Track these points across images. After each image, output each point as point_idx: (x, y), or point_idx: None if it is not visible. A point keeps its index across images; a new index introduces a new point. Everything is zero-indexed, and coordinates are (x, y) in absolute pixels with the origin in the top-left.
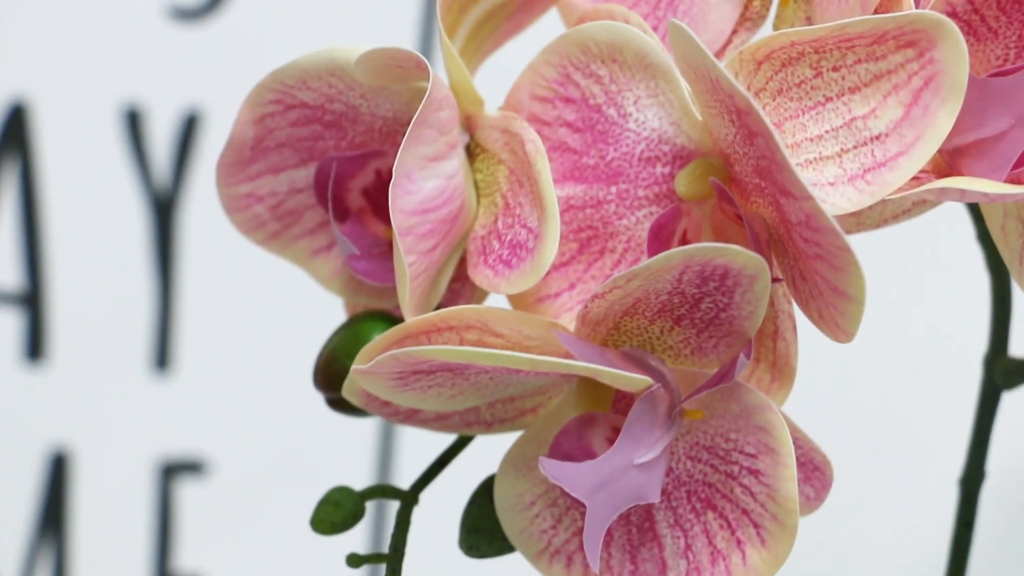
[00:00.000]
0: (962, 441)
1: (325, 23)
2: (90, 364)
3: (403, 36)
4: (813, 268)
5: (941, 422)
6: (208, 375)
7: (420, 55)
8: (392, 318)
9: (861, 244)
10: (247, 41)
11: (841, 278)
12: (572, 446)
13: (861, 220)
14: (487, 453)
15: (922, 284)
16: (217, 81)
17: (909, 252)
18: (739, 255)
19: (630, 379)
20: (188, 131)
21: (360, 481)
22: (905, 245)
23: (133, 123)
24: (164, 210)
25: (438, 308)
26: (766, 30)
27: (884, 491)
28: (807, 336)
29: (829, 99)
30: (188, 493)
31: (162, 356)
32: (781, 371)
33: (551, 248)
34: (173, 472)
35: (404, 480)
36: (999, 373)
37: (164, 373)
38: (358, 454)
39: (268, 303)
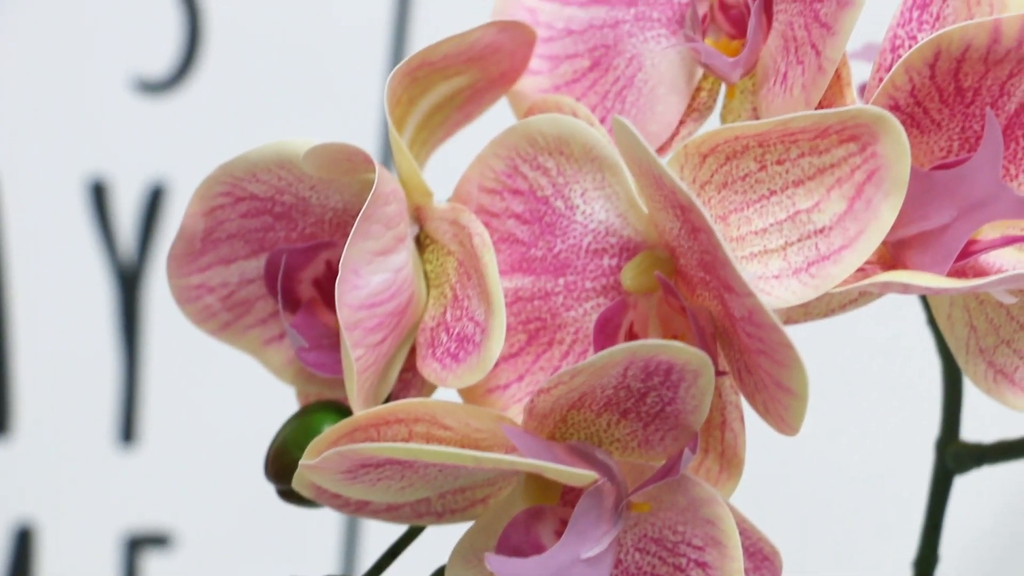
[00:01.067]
0: (915, 525)
1: (290, 96)
2: (56, 437)
3: (367, 129)
4: (757, 363)
5: (894, 506)
6: (174, 449)
7: (366, 151)
8: (343, 409)
9: (810, 330)
10: (212, 114)
11: (784, 374)
12: (520, 539)
13: (809, 310)
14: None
15: (874, 368)
16: (183, 154)
17: (861, 336)
18: (682, 352)
19: (575, 474)
20: (153, 204)
21: (326, 555)
22: (857, 329)
23: (99, 196)
24: (130, 283)
25: (389, 398)
26: (713, 120)
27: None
28: (760, 422)
29: (773, 192)
30: (154, 566)
31: (128, 429)
32: (729, 461)
33: (497, 343)
34: (139, 545)
35: (372, 553)
36: (951, 457)
37: (130, 446)
38: (324, 528)
39: (234, 377)
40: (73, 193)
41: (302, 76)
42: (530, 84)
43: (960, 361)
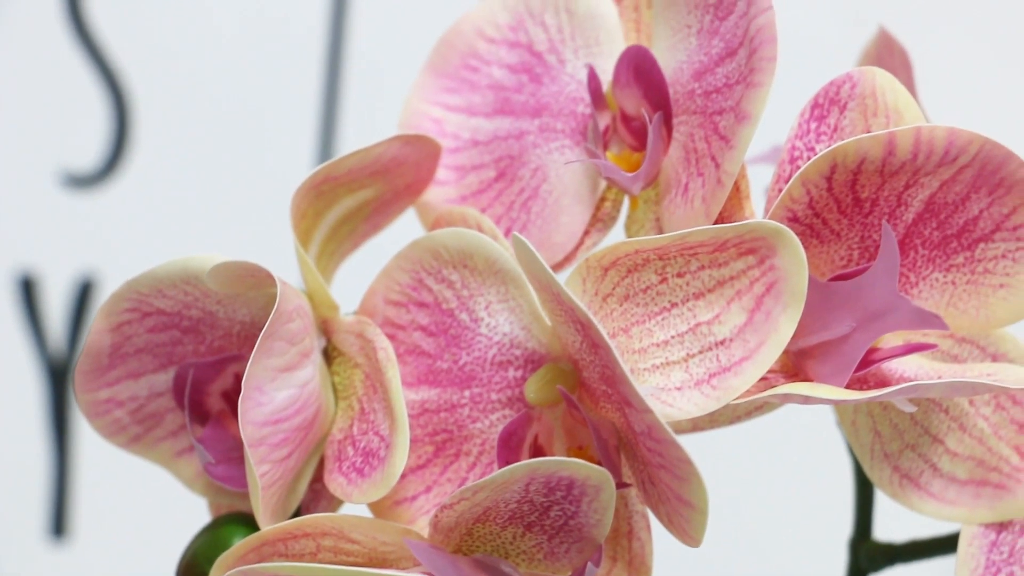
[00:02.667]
0: None
1: (220, 187)
2: None
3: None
4: (658, 476)
5: None
6: (105, 542)
7: (268, 268)
8: (254, 521)
9: (726, 432)
10: (142, 206)
11: (684, 488)
12: None
13: (715, 418)
14: None
15: (787, 468)
16: (112, 247)
17: (775, 435)
18: (582, 468)
19: None
20: (83, 297)
21: None
22: (765, 430)
23: (28, 290)
24: (59, 377)
25: (299, 510)
26: (618, 230)
27: None
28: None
29: (675, 304)
30: None
31: (58, 523)
32: (637, 570)
33: (401, 459)
34: None
35: None
36: (864, 556)
37: (60, 540)
38: None
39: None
40: (2, 287)
41: (231, 167)
42: (437, 194)
43: (865, 466)
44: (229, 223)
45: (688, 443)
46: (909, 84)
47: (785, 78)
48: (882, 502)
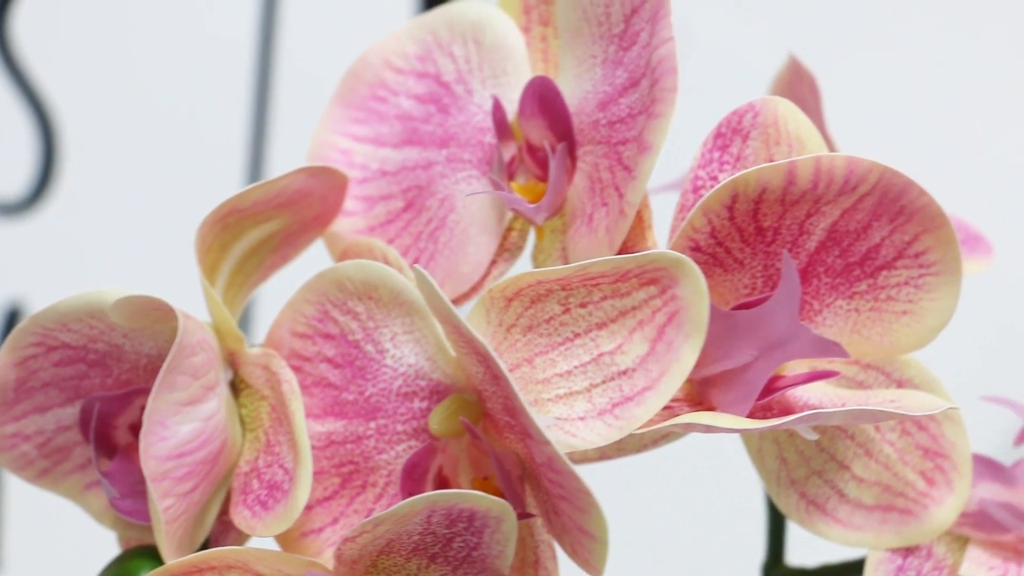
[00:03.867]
0: None
1: (144, 214)
2: None
3: None
4: (560, 507)
5: None
6: (35, 573)
7: (169, 302)
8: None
9: (632, 461)
10: (69, 234)
11: (584, 519)
12: None
13: (622, 446)
14: None
15: (700, 494)
16: (39, 275)
17: (683, 463)
18: (482, 500)
19: None
20: (9, 325)
21: None
22: (677, 456)
23: None
24: None
25: (207, 542)
26: (525, 260)
27: None
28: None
29: (577, 335)
30: None
31: None
32: None
33: (304, 492)
34: None
35: None
36: None
37: None
38: None
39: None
40: None
41: (160, 194)
42: (345, 225)
43: (772, 493)
44: (157, 250)
45: (599, 470)
46: (817, 112)
47: (722, 106)
48: (795, 527)
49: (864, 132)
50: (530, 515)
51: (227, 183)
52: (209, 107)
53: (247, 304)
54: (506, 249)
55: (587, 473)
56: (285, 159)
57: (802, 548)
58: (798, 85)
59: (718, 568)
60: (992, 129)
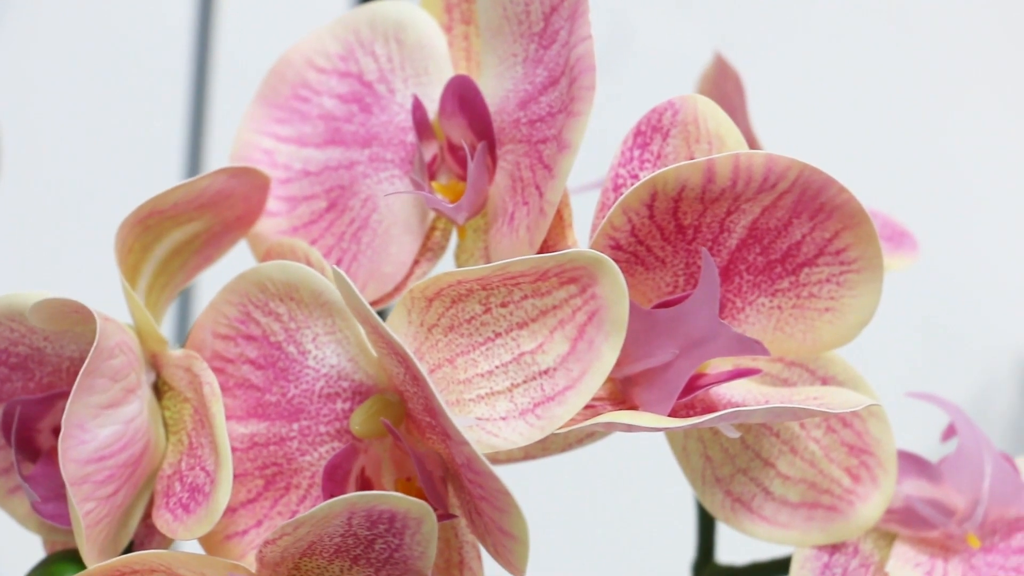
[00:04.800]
0: None
1: (78, 211)
2: None
3: None
4: (481, 507)
5: None
6: None
7: (87, 305)
8: None
9: (562, 460)
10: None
11: (504, 519)
12: None
13: (547, 446)
14: None
15: (630, 492)
16: None
17: (613, 462)
18: (402, 501)
19: None
20: None
21: None
22: (606, 455)
23: None
24: None
25: (132, 545)
26: (448, 260)
27: None
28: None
29: (498, 335)
30: None
31: None
32: None
33: (224, 495)
34: None
35: None
36: None
37: None
38: None
39: None
40: None
41: (93, 193)
42: (269, 226)
43: (697, 491)
44: (93, 250)
45: (528, 470)
46: (742, 109)
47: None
48: (725, 525)
49: (796, 129)
50: (452, 516)
51: (165, 181)
52: (146, 103)
53: (188, 304)
54: (429, 249)
55: (516, 473)
56: (224, 156)
57: (734, 546)
58: (723, 82)
59: (649, 567)
60: (925, 126)
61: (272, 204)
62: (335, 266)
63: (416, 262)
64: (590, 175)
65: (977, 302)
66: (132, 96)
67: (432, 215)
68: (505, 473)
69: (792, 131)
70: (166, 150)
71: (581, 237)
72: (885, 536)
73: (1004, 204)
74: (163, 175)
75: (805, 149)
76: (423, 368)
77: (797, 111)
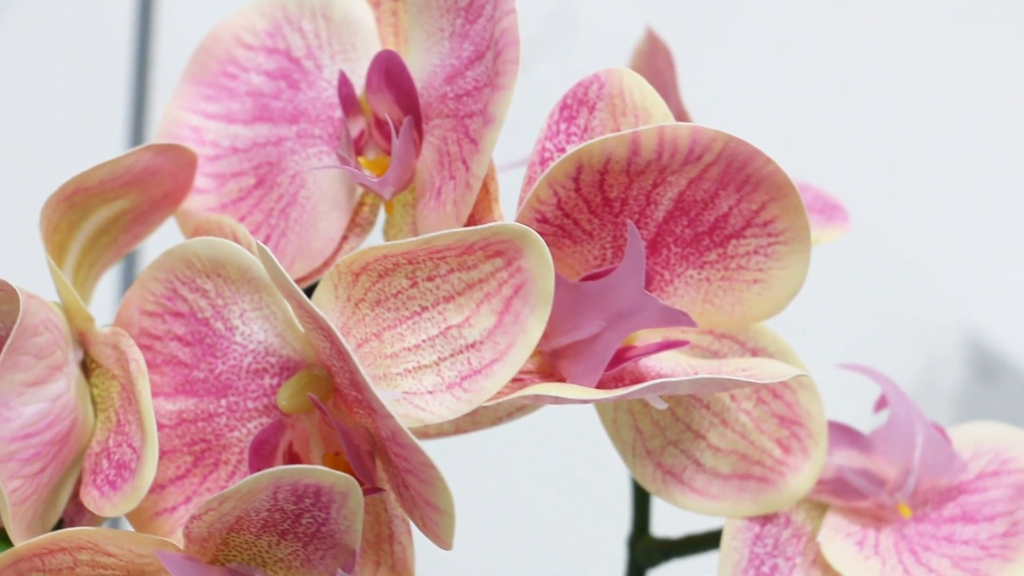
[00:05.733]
0: None
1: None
2: None
3: None
4: (408, 481)
5: None
6: None
7: (9, 283)
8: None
9: (496, 436)
10: None
11: (430, 492)
12: None
13: (477, 420)
14: None
15: (562, 467)
16: None
17: (546, 436)
18: (326, 475)
19: None
20: None
21: None
22: (540, 429)
23: None
24: None
25: (61, 522)
26: (377, 235)
27: None
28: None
29: (425, 308)
30: None
31: None
32: (399, 574)
33: (150, 471)
34: None
35: None
36: (641, 553)
37: None
38: None
39: None
40: None
41: (32, 169)
42: (197, 203)
43: (628, 463)
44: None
45: (460, 445)
46: (673, 84)
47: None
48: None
49: (742, 108)
50: (379, 490)
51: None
52: (86, 80)
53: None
54: (357, 224)
55: (447, 447)
56: None
57: (669, 520)
58: (655, 57)
59: (584, 541)
60: (874, 102)
61: (200, 181)
62: (259, 241)
63: (345, 238)
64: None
65: (924, 278)
66: (72, 72)
67: (360, 191)
68: (435, 447)
69: (737, 110)
70: (106, 128)
71: (512, 214)
72: (817, 507)
73: (952, 179)
74: (103, 153)
75: (750, 128)
76: (344, 340)
77: (744, 89)
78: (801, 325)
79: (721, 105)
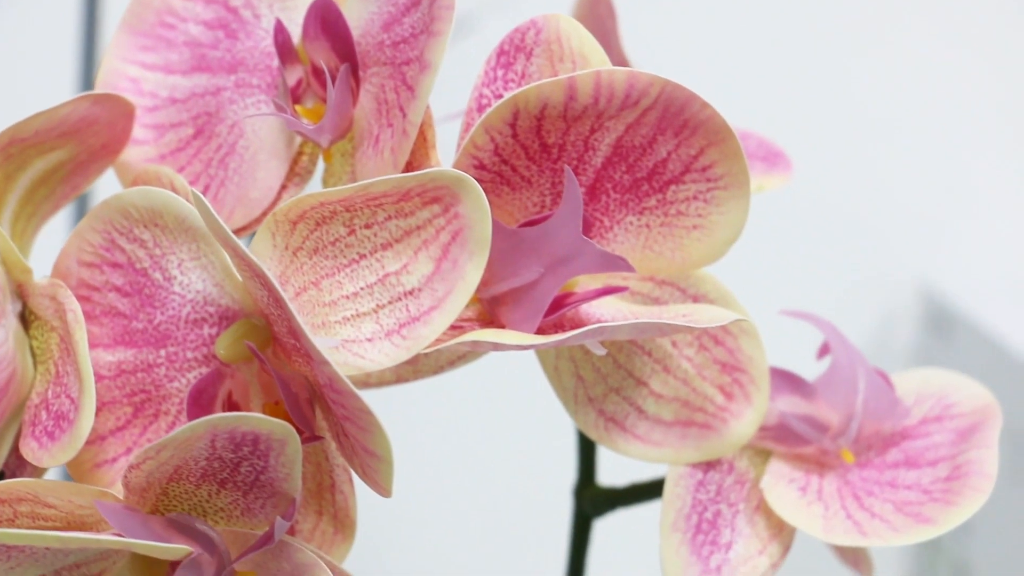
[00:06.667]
0: (559, 572)
1: None
2: None
3: None
4: (346, 428)
5: (535, 555)
6: None
7: None
8: None
9: (440, 386)
10: None
11: (368, 439)
12: None
13: (418, 368)
14: None
15: (508, 417)
16: None
17: (491, 387)
18: (264, 422)
19: (164, 549)
20: None
21: None
22: (485, 380)
23: None
24: None
25: (3, 474)
26: (316, 185)
27: None
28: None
29: (363, 256)
30: None
31: None
32: (342, 523)
33: (87, 421)
34: None
35: None
36: (587, 502)
37: None
38: None
39: None
40: None
41: None
42: (136, 154)
43: (570, 411)
44: None
45: (405, 394)
46: (614, 32)
47: None
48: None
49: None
50: (319, 438)
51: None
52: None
53: None
54: (296, 174)
55: (391, 397)
56: None
57: (615, 470)
58: (596, 6)
59: (530, 491)
60: (830, 54)
61: (139, 132)
62: (196, 190)
63: (284, 187)
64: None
65: (879, 234)
66: (20, 27)
67: (299, 140)
68: (378, 397)
69: (687, 65)
70: (55, 82)
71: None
72: (761, 453)
73: (908, 136)
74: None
75: (701, 84)
76: (280, 287)
77: (696, 44)
78: (755, 280)
79: (668, 60)
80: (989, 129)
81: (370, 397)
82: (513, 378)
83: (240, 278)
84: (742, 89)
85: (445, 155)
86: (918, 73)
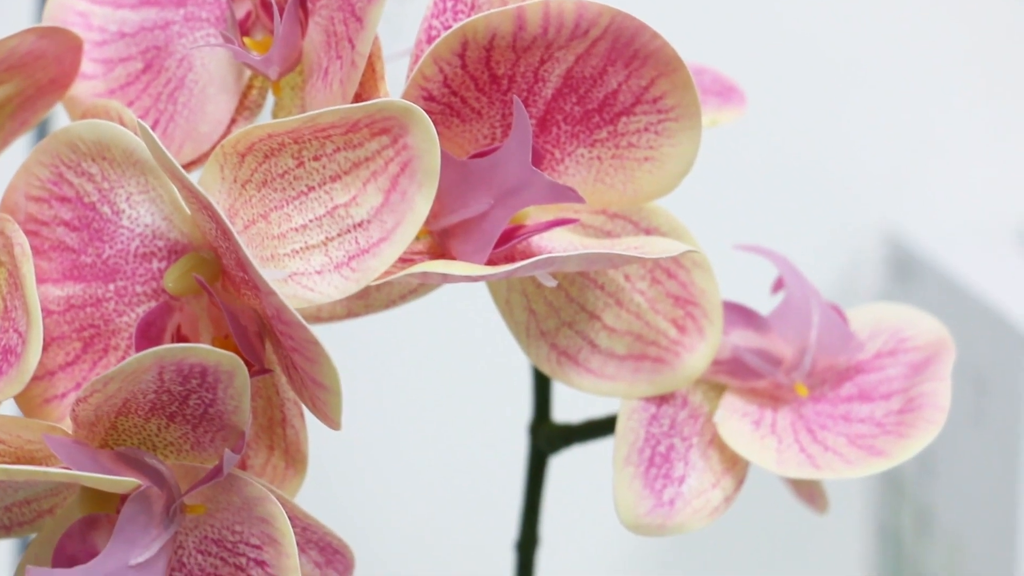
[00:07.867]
0: (514, 508)
1: None
2: None
3: None
4: (294, 360)
5: (491, 492)
6: None
7: None
8: None
9: (399, 317)
10: None
11: (316, 370)
12: (76, 549)
13: (370, 303)
14: None
15: (462, 353)
16: None
17: (447, 326)
18: (211, 354)
19: (113, 482)
20: None
21: None
22: (441, 318)
23: None
24: None
25: None
26: (266, 118)
27: (440, 562)
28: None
29: (312, 188)
30: None
31: None
32: (293, 457)
33: (34, 355)
34: None
35: None
36: (543, 439)
37: None
38: None
39: None
40: None
41: None
42: (85, 89)
43: (522, 345)
44: None
45: (356, 330)
46: None
47: None
48: (563, 386)
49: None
50: (268, 371)
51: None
52: None
53: None
54: (246, 108)
55: (341, 332)
56: None
57: (571, 406)
58: None
59: (485, 429)
60: (789, 4)
61: (88, 67)
62: (144, 123)
63: (233, 120)
64: None
65: (843, 179)
66: None
67: (249, 74)
68: (330, 332)
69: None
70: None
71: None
72: (715, 387)
73: (871, 80)
74: None
75: (659, 18)
76: (226, 217)
77: None
78: (716, 224)
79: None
80: (955, 75)
81: (321, 332)
82: (467, 315)
83: (189, 211)
84: (706, 30)
85: (396, 91)
86: (884, 15)
